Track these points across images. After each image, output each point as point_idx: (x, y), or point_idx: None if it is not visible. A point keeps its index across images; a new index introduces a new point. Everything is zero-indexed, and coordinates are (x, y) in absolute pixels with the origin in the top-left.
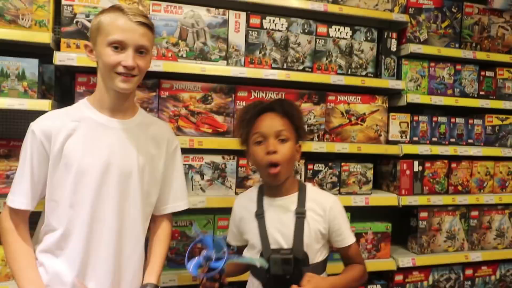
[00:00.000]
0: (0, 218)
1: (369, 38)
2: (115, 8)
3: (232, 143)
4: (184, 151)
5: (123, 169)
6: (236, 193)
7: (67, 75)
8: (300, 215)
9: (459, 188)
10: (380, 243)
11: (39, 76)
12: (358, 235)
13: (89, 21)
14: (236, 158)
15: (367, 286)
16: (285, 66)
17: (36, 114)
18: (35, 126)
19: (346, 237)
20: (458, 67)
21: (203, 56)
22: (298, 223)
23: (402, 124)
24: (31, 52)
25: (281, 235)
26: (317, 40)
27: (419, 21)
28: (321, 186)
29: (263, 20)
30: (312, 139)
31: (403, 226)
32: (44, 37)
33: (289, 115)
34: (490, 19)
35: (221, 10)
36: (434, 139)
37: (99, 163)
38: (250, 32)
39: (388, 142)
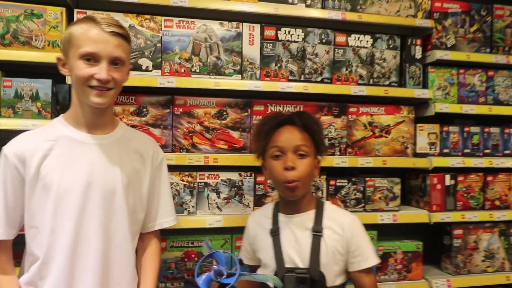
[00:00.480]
0: None
1: (391, 46)
2: (87, 19)
3: (249, 159)
4: (200, 168)
5: (106, 187)
6: None
7: None
8: (317, 233)
9: (497, 203)
10: (411, 263)
11: (53, 96)
12: (386, 255)
13: None
14: (253, 175)
15: None
16: (302, 78)
17: None
18: (8, 150)
19: (364, 259)
20: (490, 73)
21: (217, 70)
22: (315, 241)
23: (430, 135)
24: (45, 73)
25: (296, 254)
26: (336, 50)
27: (445, 26)
28: (344, 203)
29: (278, 32)
30: (333, 153)
31: (435, 245)
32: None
33: (309, 129)
34: None
35: (234, 23)
36: (467, 150)
37: (80, 183)
38: (265, 44)
39: (416, 155)
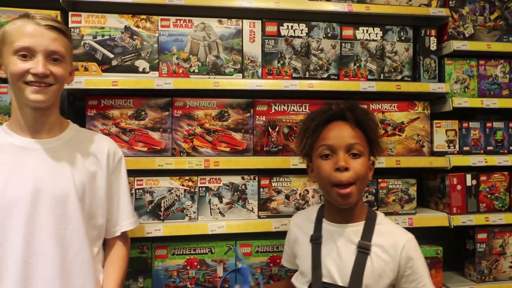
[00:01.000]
0: None
1: (403, 38)
2: (21, 16)
3: (252, 162)
4: (201, 172)
5: (56, 193)
6: (259, 216)
7: (82, 99)
8: (364, 250)
9: None
10: (430, 270)
11: None
12: None
13: (97, 42)
14: (257, 178)
15: None
16: (307, 75)
17: None
18: None
19: (422, 285)
20: None
21: (216, 70)
22: (360, 258)
23: (448, 132)
24: None
25: (336, 269)
26: (343, 44)
27: (462, 15)
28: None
29: (280, 27)
30: None
31: (458, 250)
32: None
33: (362, 126)
34: None
35: (234, 20)
36: (490, 148)
37: (26, 192)
38: (267, 40)
39: (433, 153)
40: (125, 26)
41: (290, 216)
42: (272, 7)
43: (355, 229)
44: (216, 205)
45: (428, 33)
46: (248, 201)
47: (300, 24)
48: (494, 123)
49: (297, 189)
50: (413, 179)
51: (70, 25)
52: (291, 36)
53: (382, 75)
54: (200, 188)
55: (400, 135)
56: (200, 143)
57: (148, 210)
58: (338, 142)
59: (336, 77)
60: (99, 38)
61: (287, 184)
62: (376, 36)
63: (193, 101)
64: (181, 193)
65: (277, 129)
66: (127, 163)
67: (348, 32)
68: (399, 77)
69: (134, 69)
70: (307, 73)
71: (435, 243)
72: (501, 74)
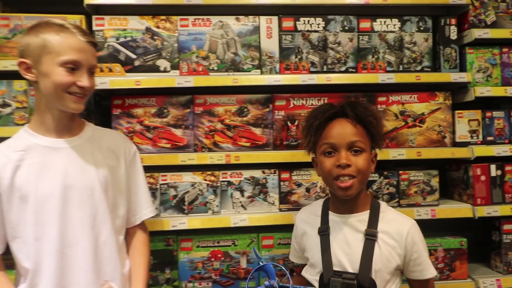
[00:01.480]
0: None
1: (422, 28)
2: (57, 25)
3: (272, 156)
4: (222, 167)
5: (84, 187)
6: (280, 209)
7: (107, 99)
8: (371, 237)
9: None
10: (454, 262)
11: None
12: None
13: (120, 44)
14: (277, 172)
15: None
16: (325, 69)
17: None
18: None
19: (426, 268)
20: None
21: (235, 67)
22: (368, 245)
23: (471, 122)
24: None
25: (346, 257)
26: (360, 36)
27: (484, 2)
28: (376, 198)
29: (297, 22)
30: None
31: (483, 241)
32: None
33: (364, 122)
34: None
35: (251, 17)
36: None
37: (56, 188)
38: (284, 36)
39: (455, 144)
40: (146, 27)
41: None
42: (289, 2)
43: (361, 218)
44: (238, 198)
45: (448, 22)
46: (269, 194)
47: (316, 18)
48: None
49: (318, 182)
50: (435, 170)
51: (94, 28)
52: (308, 31)
53: (401, 66)
54: (222, 183)
55: (421, 127)
56: (221, 138)
57: (172, 204)
58: (340, 140)
59: (354, 70)
60: (121, 39)
61: (307, 177)
62: (394, 27)
63: (213, 98)
64: (204, 188)
65: (296, 123)
66: (151, 160)
67: (365, 24)
68: (419, 68)
69: (155, 69)
70: (324, 67)
71: (459, 235)
72: None
